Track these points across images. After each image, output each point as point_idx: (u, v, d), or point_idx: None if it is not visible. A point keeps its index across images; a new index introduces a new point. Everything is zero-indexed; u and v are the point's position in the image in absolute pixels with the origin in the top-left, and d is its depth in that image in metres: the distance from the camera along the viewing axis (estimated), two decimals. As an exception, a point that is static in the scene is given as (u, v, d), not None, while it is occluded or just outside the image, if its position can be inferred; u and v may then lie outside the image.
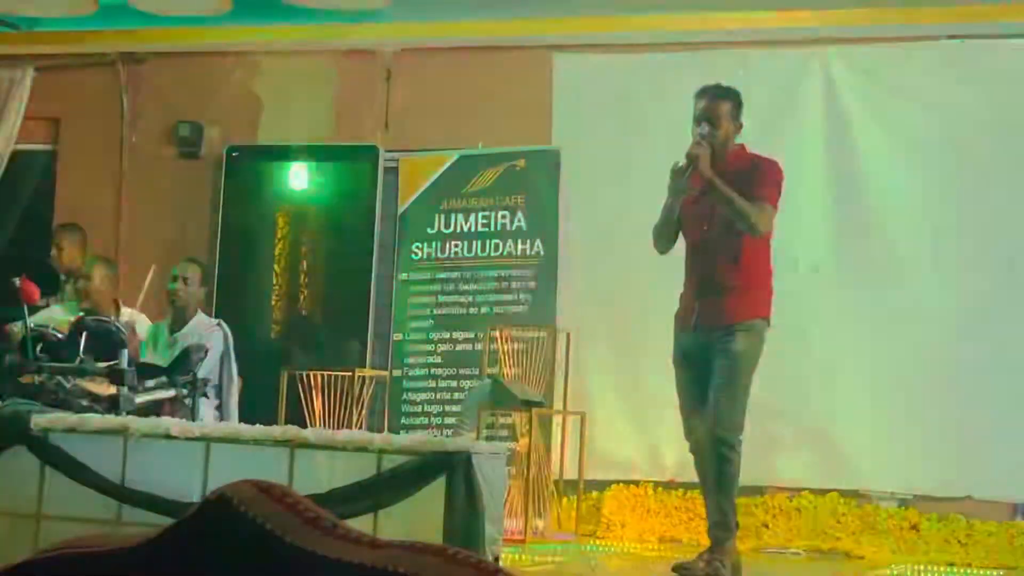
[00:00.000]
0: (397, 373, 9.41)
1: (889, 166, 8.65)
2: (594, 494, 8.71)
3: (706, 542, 6.47)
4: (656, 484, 8.45)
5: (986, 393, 8.21)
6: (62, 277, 8.94)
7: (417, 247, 9.54)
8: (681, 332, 6.41)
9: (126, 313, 8.37)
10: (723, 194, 6.21)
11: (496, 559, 5.15)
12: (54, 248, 9.15)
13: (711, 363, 6.27)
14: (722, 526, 6.29)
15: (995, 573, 7.64)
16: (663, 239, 6.52)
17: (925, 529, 8.22)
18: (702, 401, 6.28)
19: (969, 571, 7.66)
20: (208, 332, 7.98)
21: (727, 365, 6.23)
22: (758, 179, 6.31)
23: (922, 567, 7.65)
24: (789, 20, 8.96)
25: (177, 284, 8.18)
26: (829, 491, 8.46)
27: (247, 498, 1.46)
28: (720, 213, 6.27)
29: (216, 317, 8.54)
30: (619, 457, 8.65)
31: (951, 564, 7.89)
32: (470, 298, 9.37)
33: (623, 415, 8.66)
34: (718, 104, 6.37)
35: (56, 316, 7.83)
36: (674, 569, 6.18)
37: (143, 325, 8.29)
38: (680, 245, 6.55)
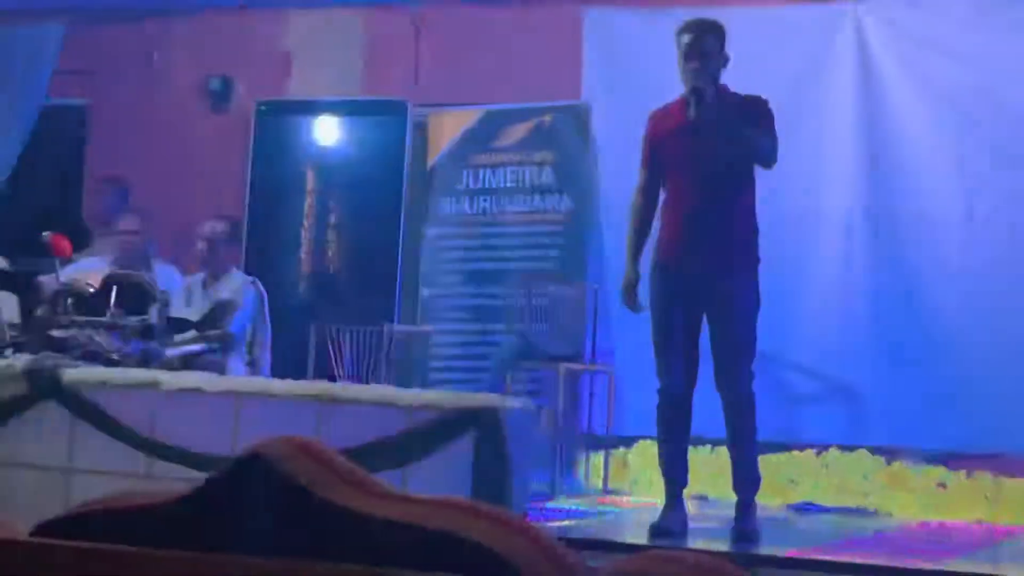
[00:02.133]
0: (426, 329, 9.42)
1: (922, 120, 8.58)
2: (622, 450, 8.72)
3: (715, 494, 6.45)
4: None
5: (1017, 349, 8.17)
6: (95, 232, 8.98)
7: (446, 202, 9.54)
8: (669, 277, 6.24)
9: (157, 267, 8.40)
10: (738, 127, 6.12)
11: (524, 514, 5.17)
12: (98, 200, 9.19)
13: (712, 312, 6.19)
14: (752, 480, 6.29)
15: (1023, 531, 7.63)
16: (644, 216, 6.43)
17: (953, 486, 8.21)
18: (691, 346, 6.20)
19: (997, 528, 7.65)
20: (242, 287, 8.01)
21: (738, 317, 6.18)
22: (756, 114, 6.22)
23: (952, 525, 7.64)
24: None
25: (204, 244, 8.18)
26: (857, 447, 8.45)
27: (282, 454, 1.47)
28: (711, 151, 6.16)
29: (245, 271, 8.57)
30: (647, 412, 8.65)
31: (979, 521, 7.88)
32: (499, 253, 9.37)
33: (651, 370, 8.65)
34: (704, 38, 6.23)
35: (88, 269, 7.86)
36: (651, 531, 6.12)
37: (174, 279, 8.32)
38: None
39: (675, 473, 6.31)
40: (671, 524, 6.13)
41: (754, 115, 6.23)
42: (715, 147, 6.15)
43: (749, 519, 6.22)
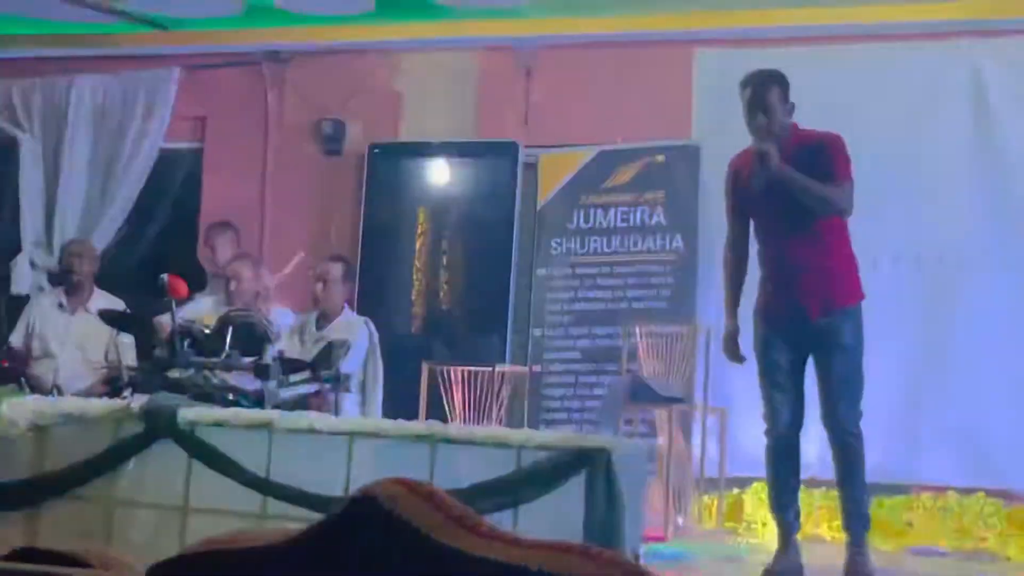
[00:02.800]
0: (536, 368, 9.43)
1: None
2: (735, 492, 8.65)
3: (820, 534, 6.42)
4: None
5: None
6: (208, 273, 9.11)
7: (556, 243, 9.55)
8: (773, 320, 6.25)
9: (273, 310, 8.49)
10: (801, 185, 6.08)
11: (636, 557, 5.14)
12: (206, 247, 9.31)
13: (818, 353, 6.18)
14: (861, 518, 6.24)
15: None
16: (733, 250, 6.43)
17: (1075, 529, 8.05)
18: (797, 387, 6.21)
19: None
20: (353, 329, 8.06)
21: (844, 356, 6.15)
22: (828, 158, 6.16)
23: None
24: (932, 12, 8.82)
25: (319, 283, 8.25)
26: (975, 490, 8.32)
27: (394, 496, 1.47)
28: (793, 198, 6.11)
29: (358, 311, 8.63)
30: (760, 454, 8.58)
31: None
32: (609, 293, 9.37)
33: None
34: (767, 90, 6.21)
35: (203, 310, 7.96)
36: (765, 573, 6.11)
37: (287, 320, 8.39)
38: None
39: (786, 515, 6.27)
40: (785, 567, 6.09)
41: (823, 157, 6.17)
42: (792, 199, 6.11)
43: (862, 558, 6.16)
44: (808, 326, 6.18)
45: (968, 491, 8.33)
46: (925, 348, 8.47)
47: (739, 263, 6.45)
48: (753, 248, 6.46)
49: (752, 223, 6.41)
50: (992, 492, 8.29)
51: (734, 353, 6.38)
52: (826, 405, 6.19)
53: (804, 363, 6.26)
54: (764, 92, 6.21)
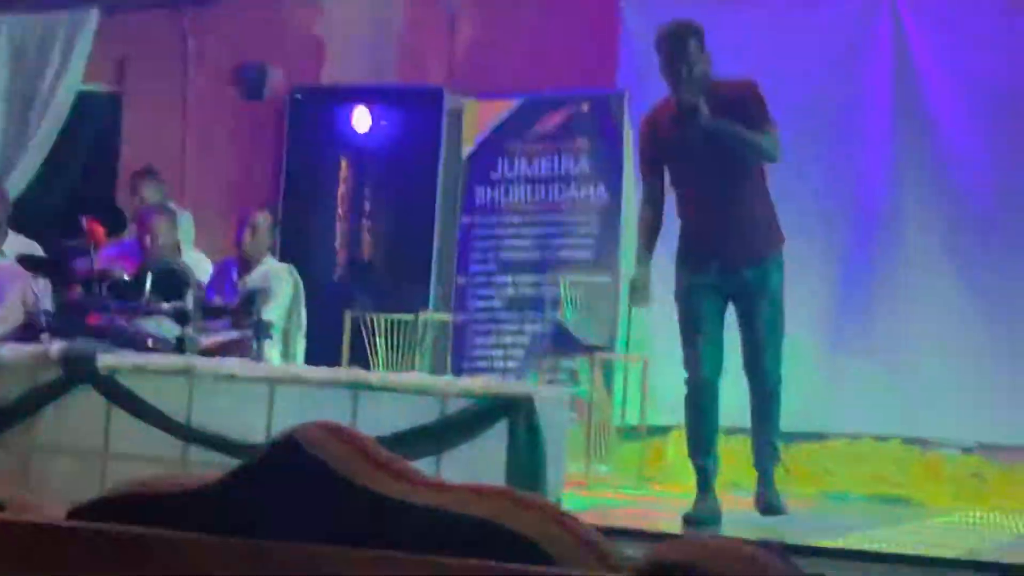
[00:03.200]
0: (460, 317, 9.43)
1: (956, 111, 8.54)
2: (656, 439, 8.70)
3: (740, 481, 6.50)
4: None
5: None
6: (128, 217, 9.00)
7: (480, 190, 9.53)
8: (698, 270, 6.26)
9: (189, 254, 8.41)
10: (733, 134, 6.09)
11: (558, 502, 5.17)
12: (135, 197, 9.20)
13: (742, 301, 6.23)
14: (776, 455, 6.39)
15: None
16: (655, 213, 6.45)
17: (988, 477, 8.17)
18: (719, 335, 6.26)
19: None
20: (277, 277, 7.99)
21: (769, 305, 6.22)
22: (748, 105, 6.17)
23: (984, 515, 7.61)
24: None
25: (247, 231, 8.16)
26: (891, 438, 8.42)
27: (316, 440, 1.46)
28: (716, 148, 6.12)
29: (280, 258, 8.56)
30: (681, 402, 8.64)
31: (1015, 511, 7.84)
32: (533, 242, 9.36)
33: (685, 360, 8.64)
34: (686, 43, 6.18)
35: (122, 255, 7.88)
36: (685, 520, 6.16)
37: (206, 265, 8.32)
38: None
39: (705, 461, 6.32)
40: (703, 513, 6.14)
41: (746, 106, 6.18)
42: (717, 145, 6.15)
43: (774, 492, 6.27)
44: (731, 275, 6.22)
45: (884, 438, 8.43)
46: (844, 297, 8.54)
47: (656, 217, 6.46)
48: (670, 198, 6.47)
49: (668, 174, 6.40)
50: (908, 439, 8.40)
51: (638, 298, 6.40)
52: (750, 353, 6.25)
53: (724, 311, 6.29)
54: (684, 44, 6.19)
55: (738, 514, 6.37)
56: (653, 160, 6.44)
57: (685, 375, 6.36)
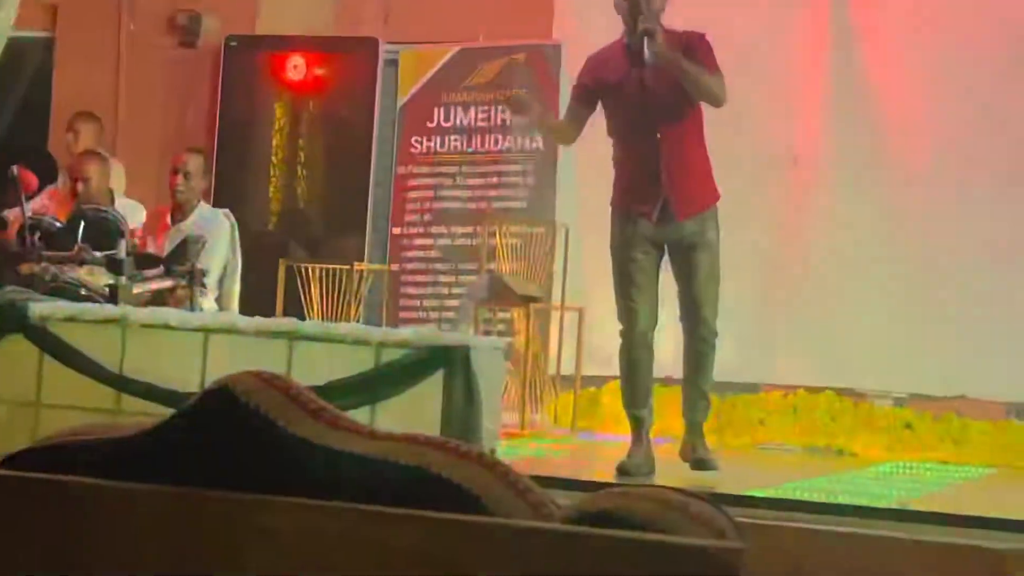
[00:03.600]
0: (395, 267, 9.41)
1: (894, 60, 8.58)
2: (591, 389, 8.74)
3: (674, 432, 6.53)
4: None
5: (982, 292, 8.21)
6: (61, 165, 8.91)
7: (416, 140, 9.50)
8: (634, 221, 6.26)
9: (122, 202, 8.33)
10: (683, 68, 6.10)
11: (493, 452, 5.18)
12: (70, 134, 9.10)
13: (680, 253, 6.23)
14: (707, 407, 6.39)
15: (987, 471, 7.69)
16: (565, 137, 6.48)
17: (919, 428, 8.27)
18: (654, 288, 6.27)
19: (962, 469, 7.71)
20: (213, 222, 7.93)
21: (708, 257, 6.23)
22: (696, 53, 6.19)
23: (916, 465, 7.71)
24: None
25: (178, 177, 8.09)
26: (824, 389, 8.50)
27: (250, 388, 1.46)
28: (669, 94, 6.16)
29: (214, 207, 8.50)
30: (616, 353, 8.67)
31: (944, 462, 7.95)
32: (469, 192, 9.35)
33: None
34: None
35: (53, 204, 7.80)
36: (618, 469, 6.18)
37: (139, 212, 8.25)
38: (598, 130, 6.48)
39: (640, 412, 6.34)
40: (637, 463, 6.17)
41: (695, 53, 6.20)
42: (663, 89, 6.14)
43: (703, 444, 6.30)
44: (669, 226, 6.21)
45: (817, 390, 8.51)
46: (778, 249, 8.58)
47: (569, 132, 6.51)
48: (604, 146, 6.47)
49: (607, 121, 6.39)
50: (840, 391, 8.48)
51: (517, 106, 6.46)
52: (687, 306, 6.25)
53: (660, 263, 6.30)
54: None
55: (674, 465, 6.41)
56: (589, 92, 6.37)
57: (620, 327, 6.37)
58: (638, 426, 6.34)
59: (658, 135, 6.20)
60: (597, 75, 6.35)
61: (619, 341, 6.40)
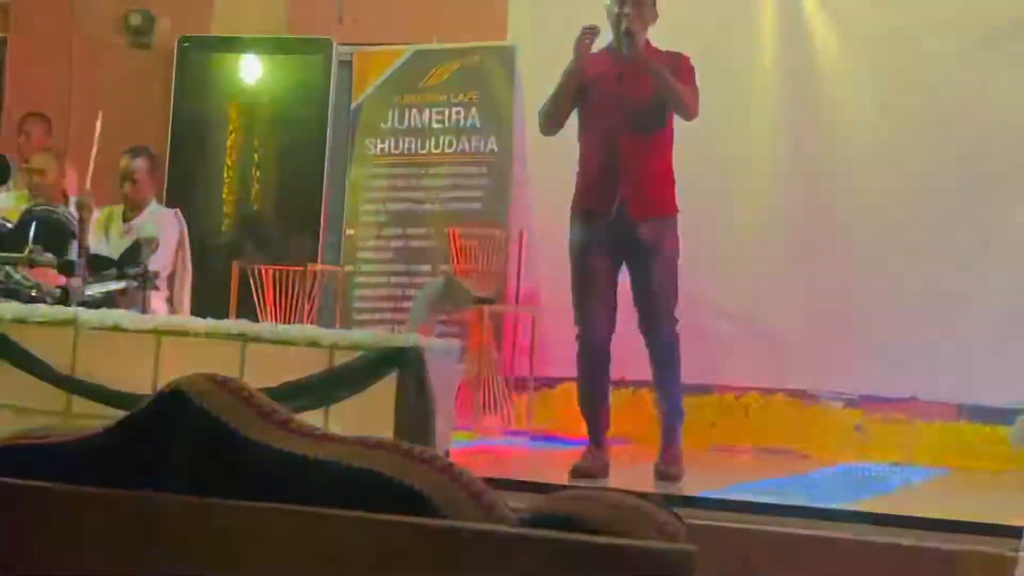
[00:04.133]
0: (349, 269, 9.39)
1: (843, 64, 8.62)
2: (545, 391, 8.75)
3: (652, 439, 6.53)
4: (606, 382, 8.50)
5: (933, 294, 8.26)
6: (12, 166, 8.85)
7: (371, 142, 9.48)
8: (592, 222, 6.27)
9: (74, 201, 8.29)
10: (659, 75, 6.15)
11: (447, 454, 5.18)
12: (22, 136, 9.06)
13: (637, 258, 6.24)
14: (680, 413, 6.38)
15: (939, 473, 7.74)
16: (555, 118, 6.42)
17: (870, 429, 8.32)
18: (612, 292, 6.27)
19: (913, 470, 7.76)
20: (164, 221, 7.90)
21: (665, 262, 6.24)
22: (680, 70, 6.26)
23: (867, 466, 7.75)
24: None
25: (125, 177, 8.06)
26: (776, 391, 8.54)
27: (202, 391, 1.46)
28: (643, 98, 6.20)
29: (172, 208, 8.46)
30: (570, 355, 8.68)
31: (895, 463, 7.99)
32: (423, 194, 9.34)
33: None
34: None
35: (5, 205, 7.75)
36: (572, 472, 6.19)
37: (93, 215, 8.21)
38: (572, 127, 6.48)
39: (596, 416, 6.35)
40: (592, 465, 6.18)
41: (677, 70, 6.27)
42: (639, 95, 6.17)
43: (675, 456, 6.29)
44: (630, 232, 6.21)
45: (769, 391, 8.54)
46: (732, 251, 8.61)
47: (554, 126, 6.45)
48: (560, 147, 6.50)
49: (579, 121, 6.40)
50: (792, 392, 8.51)
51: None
52: (646, 312, 6.25)
53: (619, 269, 6.30)
54: None
55: (629, 467, 6.43)
56: (574, 87, 6.36)
57: (576, 330, 6.37)
58: (594, 430, 6.34)
59: (624, 138, 6.22)
60: (583, 70, 6.32)
61: (573, 343, 6.40)
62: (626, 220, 6.20)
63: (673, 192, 6.35)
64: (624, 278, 6.34)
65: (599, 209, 6.24)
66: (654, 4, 6.36)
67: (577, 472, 6.16)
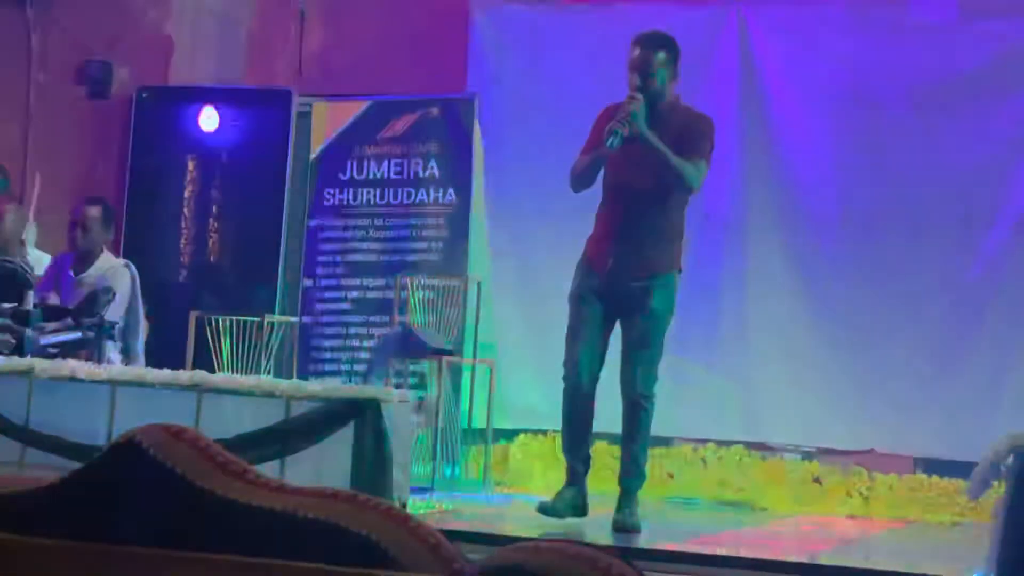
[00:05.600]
0: (307, 319, 9.37)
1: (800, 120, 8.70)
2: (502, 443, 8.75)
3: (609, 490, 6.54)
4: (563, 434, 8.49)
5: (890, 348, 8.31)
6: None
7: (329, 193, 9.48)
8: (590, 274, 6.38)
9: (32, 254, 8.26)
10: (659, 152, 6.19)
11: (404, 505, 5.16)
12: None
13: (625, 313, 6.32)
14: (638, 475, 6.37)
15: (896, 525, 7.76)
16: (583, 182, 6.46)
17: (828, 481, 8.34)
18: (598, 341, 6.35)
19: (870, 523, 7.78)
20: (115, 273, 7.86)
21: (647, 321, 6.30)
22: (693, 135, 6.31)
23: (825, 519, 7.76)
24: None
25: (78, 227, 8.00)
26: (734, 443, 8.55)
27: (157, 442, 1.45)
28: (648, 163, 6.25)
29: (123, 259, 8.43)
30: (527, 406, 8.68)
31: (852, 516, 8.01)
32: (381, 245, 9.34)
33: (532, 365, 8.68)
34: (651, 53, 6.30)
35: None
36: (539, 508, 6.28)
37: (47, 265, 8.17)
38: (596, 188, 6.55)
39: (574, 460, 6.42)
40: (558, 506, 6.23)
41: (691, 132, 6.31)
42: (651, 157, 6.22)
43: (632, 512, 6.29)
44: (617, 283, 6.29)
45: (727, 443, 8.56)
46: (688, 304, 8.62)
47: (586, 187, 6.48)
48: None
49: (603, 172, 6.44)
50: (750, 444, 8.53)
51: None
52: (625, 366, 6.32)
53: (613, 322, 6.38)
54: (649, 54, 6.29)
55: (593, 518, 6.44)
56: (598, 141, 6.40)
57: (563, 374, 6.40)
58: (572, 474, 6.42)
59: (635, 195, 6.29)
60: (604, 127, 6.33)
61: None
62: (624, 277, 6.28)
63: (674, 251, 6.42)
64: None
65: (602, 263, 6.34)
66: (672, 65, 6.34)
67: (543, 508, 6.19)
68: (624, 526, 6.21)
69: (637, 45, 6.34)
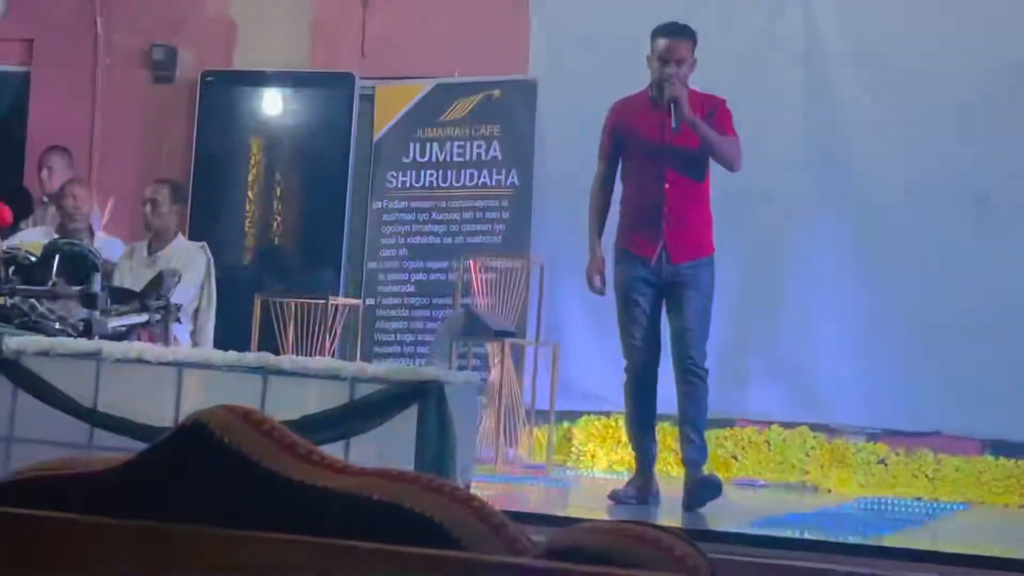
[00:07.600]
0: (370, 302, 9.41)
1: (867, 100, 8.63)
2: (565, 424, 8.75)
3: (674, 472, 6.59)
4: (627, 415, 8.48)
5: (957, 328, 8.24)
6: (44, 199, 8.90)
7: (392, 176, 9.51)
8: (635, 262, 6.48)
9: (100, 237, 8.34)
10: (706, 135, 6.35)
11: (468, 487, 5.17)
12: (44, 170, 9.11)
13: (675, 295, 6.44)
14: (701, 450, 6.46)
15: (962, 508, 7.71)
16: (606, 196, 6.64)
17: (893, 463, 8.29)
18: (655, 330, 6.49)
19: (937, 505, 7.73)
20: (190, 255, 7.95)
21: (699, 301, 6.44)
22: (719, 118, 6.47)
23: (890, 501, 7.71)
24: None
25: (147, 207, 8.11)
26: (798, 425, 8.52)
27: (223, 423, 1.46)
28: (687, 148, 6.36)
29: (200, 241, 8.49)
30: (590, 388, 8.67)
31: (918, 498, 7.96)
32: (444, 227, 9.36)
33: (595, 346, 8.67)
34: (681, 43, 6.43)
35: (30, 239, 7.79)
36: (610, 496, 6.40)
37: (118, 249, 8.25)
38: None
39: (643, 444, 6.54)
40: (630, 492, 6.35)
41: (715, 115, 6.45)
42: (680, 143, 6.39)
43: (700, 488, 6.34)
44: (666, 268, 6.42)
45: (791, 425, 8.52)
46: (754, 285, 8.60)
47: (607, 200, 6.66)
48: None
49: (622, 163, 6.58)
50: (815, 426, 8.49)
51: (595, 285, 6.57)
52: (678, 346, 6.44)
53: (661, 302, 6.49)
54: (679, 43, 6.41)
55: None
56: (616, 143, 6.59)
57: (625, 363, 6.51)
58: (641, 456, 6.56)
59: (667, 184, 6.44)
60: (623, 120, 6.58)
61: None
62: (668, 263, 6.43)
63: (709, 233, 6.60)
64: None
65: (643, 252, 6.47)
66: (693, 54, 6.49)
67: (614, 496, 6.31)
68: (693, 504, 6.25)
69: (662, 35, 6.45)
